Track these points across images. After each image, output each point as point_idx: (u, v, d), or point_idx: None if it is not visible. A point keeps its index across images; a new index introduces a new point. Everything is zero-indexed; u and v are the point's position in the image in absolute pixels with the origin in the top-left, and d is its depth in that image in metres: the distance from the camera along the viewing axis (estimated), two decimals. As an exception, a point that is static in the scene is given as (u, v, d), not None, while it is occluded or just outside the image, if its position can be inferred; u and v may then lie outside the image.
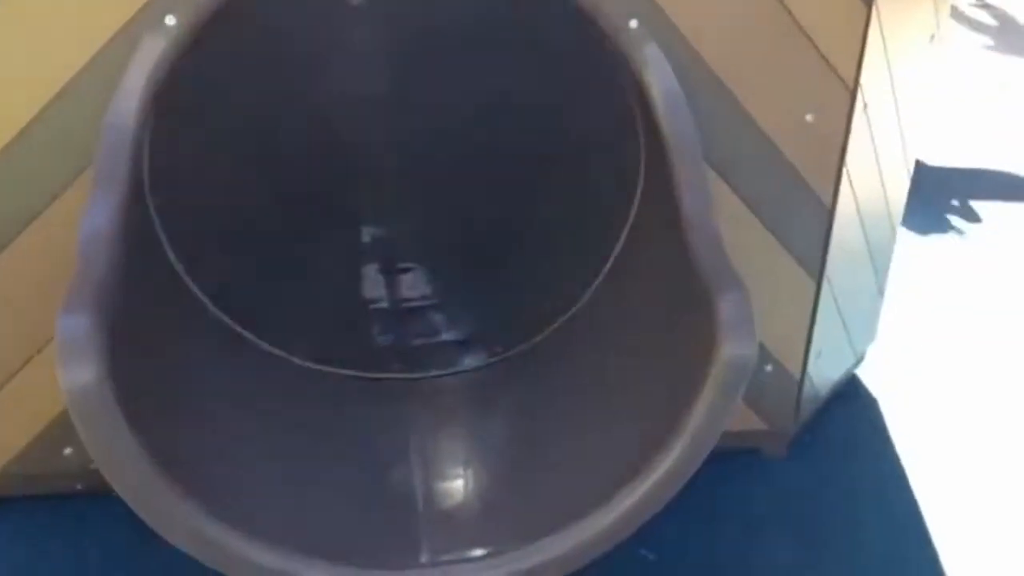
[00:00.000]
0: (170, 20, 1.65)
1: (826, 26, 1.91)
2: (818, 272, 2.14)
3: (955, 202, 3.70)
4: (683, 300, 1.68)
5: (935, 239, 3.45)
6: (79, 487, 1.98)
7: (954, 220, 3.61)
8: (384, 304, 2.32)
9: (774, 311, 2.12)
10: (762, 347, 2.14)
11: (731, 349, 1.50)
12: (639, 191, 2.01)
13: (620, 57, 1.79)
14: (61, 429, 1.84)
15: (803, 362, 2.24)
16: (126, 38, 1.67)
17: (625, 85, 1.93)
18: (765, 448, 2.34)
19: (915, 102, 2.35)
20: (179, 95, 1.83)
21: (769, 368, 2.20)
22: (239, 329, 1.98)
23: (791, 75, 1.93)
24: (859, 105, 2.01)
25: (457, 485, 1.83)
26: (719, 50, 1.87)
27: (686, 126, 1.77)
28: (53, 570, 1.93)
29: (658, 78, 1.78)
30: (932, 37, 2.32)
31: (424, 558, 1.62)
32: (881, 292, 2.64)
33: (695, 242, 1.67)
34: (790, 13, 1.88)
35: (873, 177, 2.27)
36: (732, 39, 1.87)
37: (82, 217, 1.52)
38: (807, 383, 2.29)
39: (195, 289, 1.93)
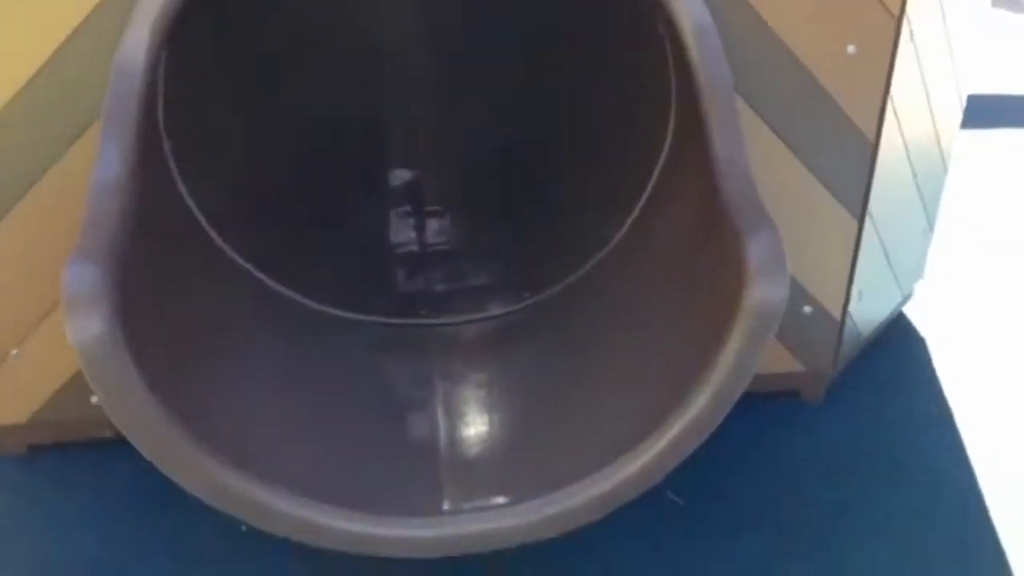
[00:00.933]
0: None
1: (869, -52, 1.81)
2: (860, 210, 2.06)
3: (1010, 132, 3.55)
4: (713, 242, 1.62)
5: (988, 172, 3.32)
6: (107, 434, 1.99)
7: (1008, 152, 3.47)
8: (410, 248, 2.29)
9: (813, 251, 2.06)
10: (801, 288, 2.08)
11: (760, 292, 1.45)
12: (670, 129, 1.94)
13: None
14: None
15: (844, 303, 2.17)
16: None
17: (655, 17, 1.85)
18: (804, 391, 2.29)
19: (968, 27, 2.23)
20: (194, 36, 1.79)
21: (808, 309, 2.14)
22: (261, 276, 1.95)
23: (831, 3, 1.84)
24: (905, 34, 1.92)
25: (481, 432, 1.80)
26: (753, -22, 1.79)
27: (717, 59, 1.69)
28: (83, 516, 1.95)
29: (687, 8, 1.70)
30: (987, -44, 2.20)
31: (446, 505, 1.60)
32: (931, 228, 2.55)
33: (725, 181, 1.61)
34: (829, -65, 1.79)
35: (921, 110, 2.16)
36: (767, -34, 1.79)
37: (93, 165, 1.49)
38: (848, 324, 2.22)
39: (216, 236, 1.90)
